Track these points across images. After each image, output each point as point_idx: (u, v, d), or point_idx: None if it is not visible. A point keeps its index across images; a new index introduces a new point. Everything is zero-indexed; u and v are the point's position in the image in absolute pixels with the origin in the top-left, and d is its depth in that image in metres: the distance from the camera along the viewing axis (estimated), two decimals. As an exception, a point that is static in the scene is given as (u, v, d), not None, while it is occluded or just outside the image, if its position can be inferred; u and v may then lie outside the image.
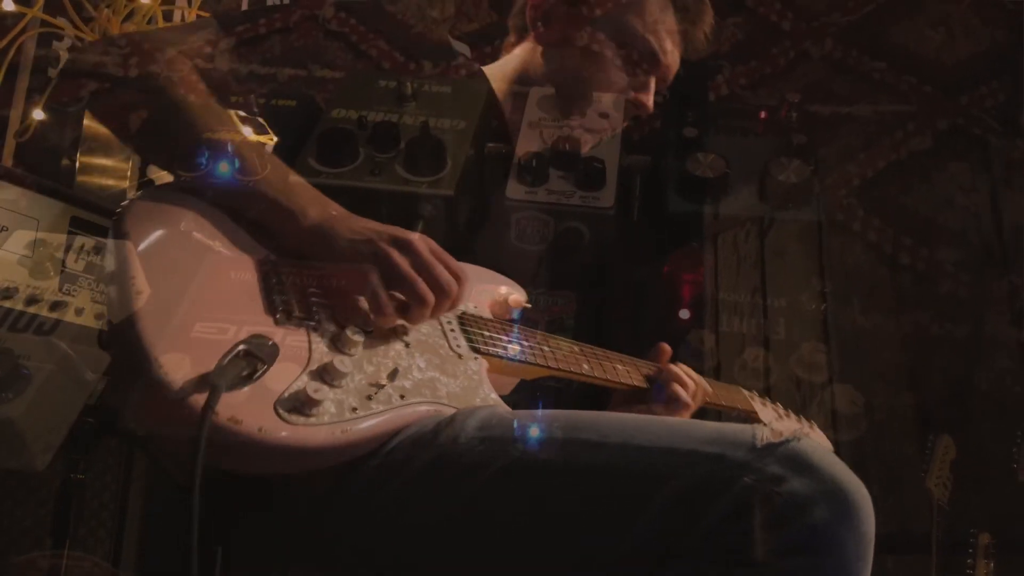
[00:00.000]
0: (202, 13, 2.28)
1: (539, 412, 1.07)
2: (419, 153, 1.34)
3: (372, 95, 1.45)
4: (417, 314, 1.15)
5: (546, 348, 1.30)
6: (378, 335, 1.13)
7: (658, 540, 0.92)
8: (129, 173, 2.16)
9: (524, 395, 1.33)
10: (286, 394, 0.98)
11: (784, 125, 1.57)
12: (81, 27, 2.16)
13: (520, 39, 1.70)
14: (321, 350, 1.06)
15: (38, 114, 2.21)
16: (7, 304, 1.25)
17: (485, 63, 1.71)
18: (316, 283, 1.14)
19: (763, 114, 1.62)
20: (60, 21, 2.15)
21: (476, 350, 1.22)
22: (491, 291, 1.35)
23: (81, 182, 2.14)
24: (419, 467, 1.01)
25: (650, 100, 1.61)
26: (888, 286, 1.92)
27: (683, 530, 0.91)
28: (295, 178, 1.22)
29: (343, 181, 1.31)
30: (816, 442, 0.95)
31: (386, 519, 1.03)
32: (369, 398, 1.04)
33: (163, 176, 1.36)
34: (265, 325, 1.06)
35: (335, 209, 1.20)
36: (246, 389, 0.97)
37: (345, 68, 1.72)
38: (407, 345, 1.15)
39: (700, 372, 1.44)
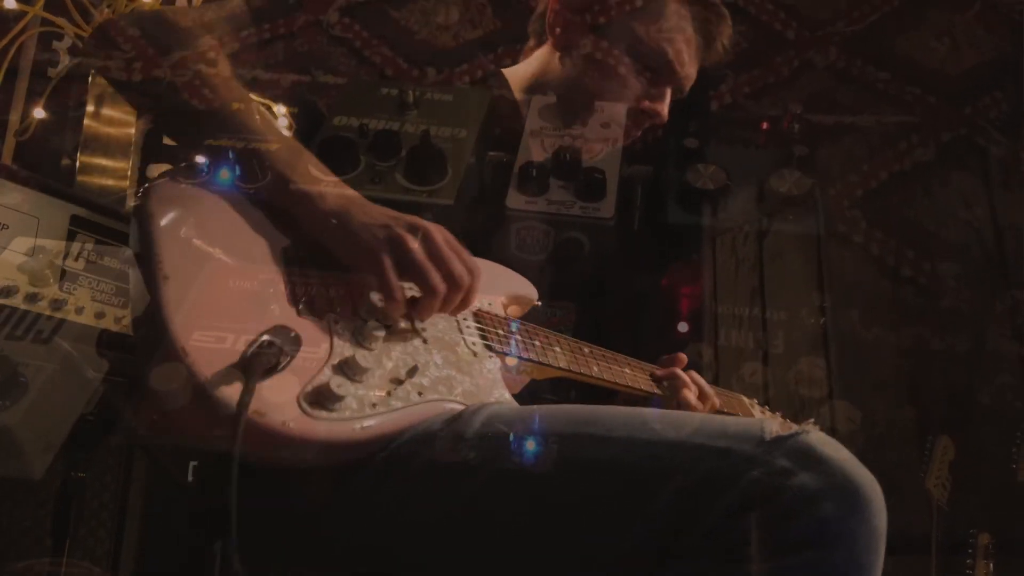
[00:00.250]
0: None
1: (544, 407, 1.06)
2: (419, 162, 1.34)
3: (374, 103, 1.44)
4: (427, 305, 1.13)
5: (558, 349, 1.30)
6: (397, 330, 1.13)
7: (665, 535, 0.91)
8: (129, 173, 2.16)
9: (525, 395, 1.32)
10: (309, 387, 0.98)
11: (786, 136, 1.57)
12: (82, 26, 2.15)
13: (539, 43, 1.70)
14: (343, 343, 1.06)
15: (39, 113, 2.21)
16: (7, 303, 1.25)
17: (489, 70, 1.70)
18: (338, 274, 1.14)
19: (765, 125, 1.61)
20: (60, 20, 2.15)
21: (490, 348, 1.22)
22: (505, 288, 1.35)
23: (81, 182, 2.14)
24: (424, 463, 1.01)
25: (665, 109, 1.60)
26: (889, 299, 1.91)
27: (690, 525, 0.90)
28: (314, 163, 1.21)
29: (343, 189, 1.30)
30: (825, 436, 0.94)
31: (390, 515, 1.03)
32: (389, 394, 1.04)
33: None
34: (288, 316, 1.06)
35: (353, 195, 1.18)
36: (270, 381, 0.97)
37: (348, 74, 1.71)
38: (425, 341, 1.15)
39: (700, 385, 1.44)
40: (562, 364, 1.29)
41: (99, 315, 1.34)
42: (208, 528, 1.11)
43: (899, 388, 1.93)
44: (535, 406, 1.08)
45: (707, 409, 1.40)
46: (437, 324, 1.19)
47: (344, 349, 1.05)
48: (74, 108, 2.16)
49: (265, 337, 1.00)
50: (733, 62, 1.90)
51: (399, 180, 1.33)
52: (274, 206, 1.17)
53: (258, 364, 0.96)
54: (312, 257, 1.15)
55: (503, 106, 1.62)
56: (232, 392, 0.93)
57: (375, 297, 1.11)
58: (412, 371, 1.08)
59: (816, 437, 0.92)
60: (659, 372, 1.41)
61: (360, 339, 1.08)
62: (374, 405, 1.01)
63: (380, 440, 1.01)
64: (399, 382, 1.06)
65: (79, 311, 1.32)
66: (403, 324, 1.14)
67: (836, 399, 1.56)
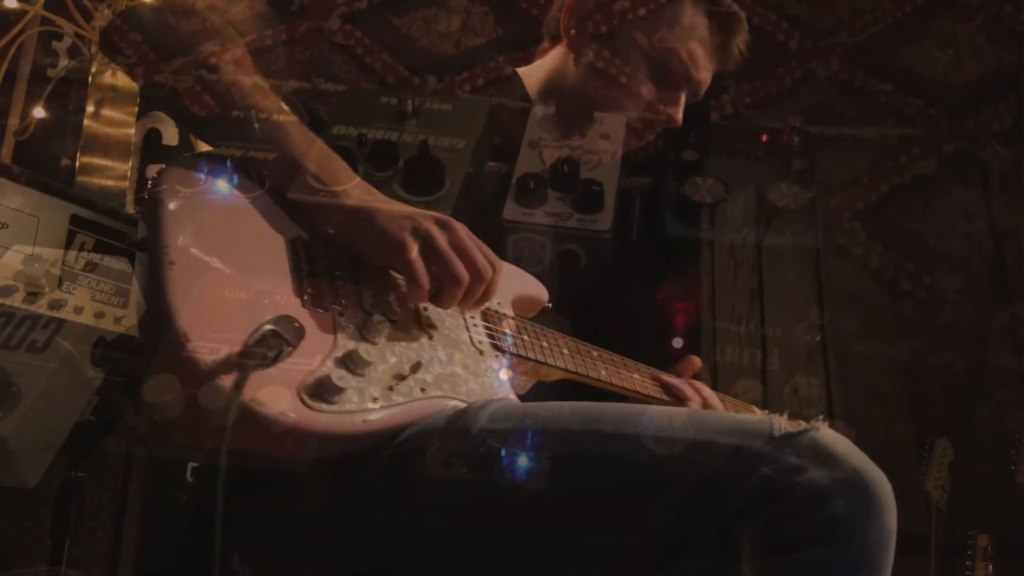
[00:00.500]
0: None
1: (553, 404, 1.05)
2: (417, 172, 1.33)
3: (373, 112, 1.44)
4: (449, 295, 1.13)
5: (565, 351, 1.30)
6: (403, 326, 1.13)
7: (674, 532, 0.91)
8: (129, 174, 2.16)
9: (531, 398, 1.32)
10: (310, 379, 0.97)
11: (785, 149, 1.56)
12: (83, 25, 2.15)
13: (553, 44, 1.69)
14: (346, 336, 1.05)
15: (38, 112, 2.21)
16: (6, 302, 1.25)
17: (490, 79, 1.70)
18: (345, 267, 1.14)
19: (764, 137, 1.61)
20: (61, 20, 2.14)
21: (497, 347, 1.21)
22: (515, 288, 1.35)
23: (81, 182, 2.14)
24: (427, 460, 1.00)
25: (679, 113, 1.59)
26: (889, 313, 1.91)
27: (699, 522, 0.90)
28: (338, 160, 1.22)
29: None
30: (835, 433, 0.93)
31: (392, 514, 1.03)
32: (391, 389, 1.03)
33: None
34: (292, 306, 1.06)
35: (376, 193, 1.21)
36: (270, 371, 0.96)
37: (349, 81, 1.71)
38: (430, 338, 1.15)
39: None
40: (569, 366, 1.28)
41: (99, 315, 1.34)
42: (208, 528, 1.10)
43: (898, 402, 1.92)
44: (541, 403, 1.08)
45: None
46: (444, 321, 1.19)
47: (348, 342, 1.05)
48: (74, 110, 2.16)
49: (268, 326, 0.99)
50: (734, 72, 1.90)
51: (396, 191, 1.33)
52: (296, 201, 1.17)
53: (258, 352, 0.96)
54: (322, 249, 1.15)
55: (503, 115, 1.62)
56: (231, 379, 0.93)
57: (397, 285, 1.11)
58: (416, 367, 1.08)
59: (826, 434, 0.91)
60: (668, 380, 1.40)
61: (364, 333, 1.08)
62: (375, 399, 1.01)
63: (380, 435, 1.00)
64: (402, 377, 1.05)
65: (78, 311, 1.32)
66: (412, 315, 1.14)
67: (832, 417, 1.55)
